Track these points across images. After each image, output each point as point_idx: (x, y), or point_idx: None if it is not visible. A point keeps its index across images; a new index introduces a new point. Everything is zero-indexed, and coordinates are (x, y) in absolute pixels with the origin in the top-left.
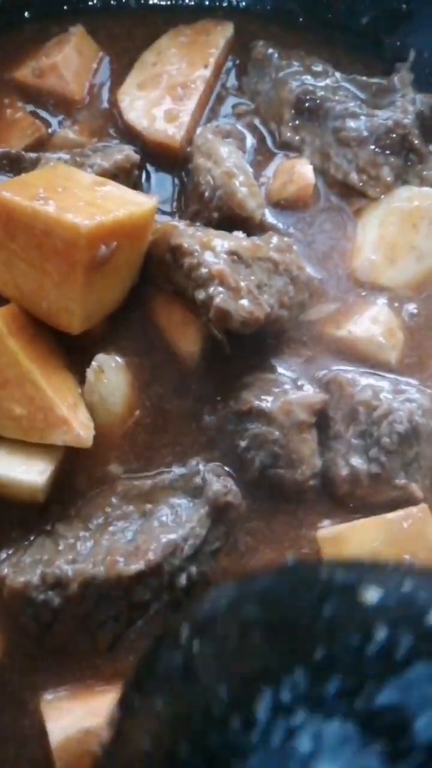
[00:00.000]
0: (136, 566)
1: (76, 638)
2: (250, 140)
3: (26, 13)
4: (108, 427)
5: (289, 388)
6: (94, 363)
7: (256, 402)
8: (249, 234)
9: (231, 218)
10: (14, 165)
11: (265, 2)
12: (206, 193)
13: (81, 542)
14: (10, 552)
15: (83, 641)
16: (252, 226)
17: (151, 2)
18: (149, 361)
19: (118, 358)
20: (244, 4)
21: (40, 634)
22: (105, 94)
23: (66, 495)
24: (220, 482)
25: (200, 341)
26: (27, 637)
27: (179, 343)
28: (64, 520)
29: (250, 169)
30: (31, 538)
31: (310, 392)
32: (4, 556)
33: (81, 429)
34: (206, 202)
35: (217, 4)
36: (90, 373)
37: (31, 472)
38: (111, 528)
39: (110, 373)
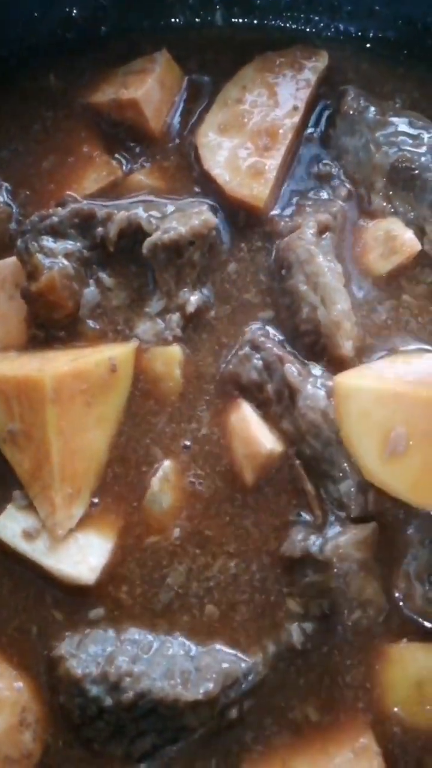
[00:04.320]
0: (194, 695)
1: (113, 738)
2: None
3: (102, 29)
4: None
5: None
6: (161, 472)
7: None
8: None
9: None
10: (85, 224)
11: (367, 30)
12: (308, 335)
13: (146, 641)
14: (68, 633)
15: (118, 743)
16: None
17: (238, 21)
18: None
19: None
20: (342, 28)
21: (81, 724)
22: (185, 131)
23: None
24: (299, 629)
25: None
26: (65, 720)
27: (243, 471)
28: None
29: (350, 303)
30: (91, 617)
31: (359, 526)
32: (66, 634)
33: (61, 521)
34: (302, 333)
35: (313, 30)
36: (156, 482)
37: (81, 566)
38: (175, 636)
39: (173, 481)
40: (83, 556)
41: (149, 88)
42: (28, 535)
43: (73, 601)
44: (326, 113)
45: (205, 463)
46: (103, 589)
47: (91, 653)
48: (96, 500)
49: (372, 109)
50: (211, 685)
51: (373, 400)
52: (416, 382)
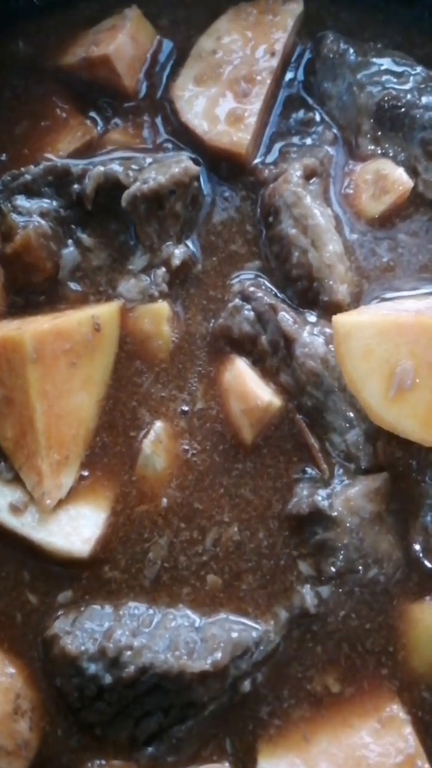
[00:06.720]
0: (201, 666)
1: (116, 721)
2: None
3: None
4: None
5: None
6: (152, 434)
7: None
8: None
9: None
10: (60, 181)
11: None
12: (300, 280)
13: (146, 615)
14: (60, 613)
15: (122, 726)
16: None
17: None
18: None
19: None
20: None
21: (80, 707)
22: (160, 86)
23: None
24: (312, 592)
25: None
26: (64, 705)
27: (242, 429)
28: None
29: (342, 246)
30: (87, 598)
31: (370, 476)
32: (59, 614)
33: (50, 490)
34: (294, 279)
35: None
36: (147, 444)
37: (74, 538)
38: (179, 608)
39: (166, 443)
40: (75, 528)
41: (121, 44)
42: (16, 509)
43: (49, 582)
44: (305, 60)
45: (204, 439)
46: (95, 563)
47: (87, 630)
48: (86, 473)
49: (352, 51)
50: (219, 655)
51: (376, 335)
52: (419, 311)
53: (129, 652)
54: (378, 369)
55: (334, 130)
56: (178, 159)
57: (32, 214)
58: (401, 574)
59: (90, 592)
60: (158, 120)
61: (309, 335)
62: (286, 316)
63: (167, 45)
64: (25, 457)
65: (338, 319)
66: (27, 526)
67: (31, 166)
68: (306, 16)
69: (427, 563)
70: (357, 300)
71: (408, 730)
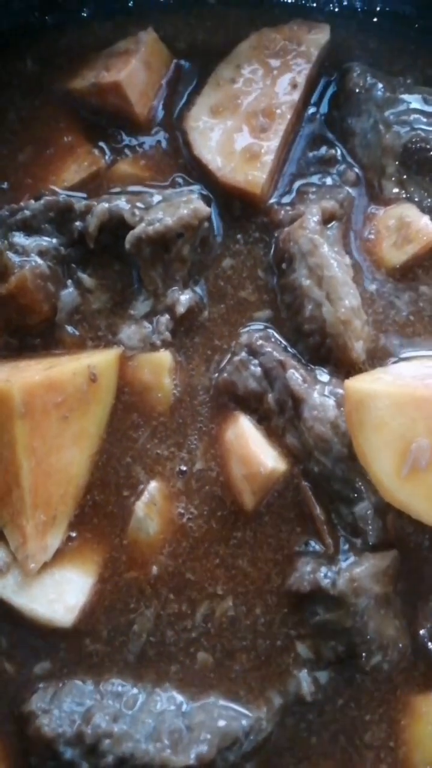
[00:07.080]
0: (184, 761)
1: None
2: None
3: (85, 11)
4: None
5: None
6: (146, 495)
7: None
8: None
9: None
10: (62, 218)
11: (374, 3)
12: (312, 336)
13: (130, 694)
14: (40, 686)
15: None
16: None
17: None
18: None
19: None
20: (346, 2)
21: None
22: (174, 115)
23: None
24: (310, 677)
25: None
26: None
27: (242, 494)
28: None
29: (359, 299)
30: (65, 671)
31: (378, 554)
32: (38, 686)
33: (34, 553)
34: (306, 334)
35: (314, 5)
36: (140, 506)
37: (57, 605)
38: (165, 688)
39: (160, 505)
40: (59, 594)
41: (133, 70)
42: None
43: (26, 650)
44: (329, 92)
45: (201, 503)
46: (75, 633)
47: (65, 709)
48: (74, 534)
49: (380, 86)
50: (205, 748)
51: (390, 407)
52: None
53: (108, 741)
54: (391, 444)
55: (356, 170)
56: (187, 198)
57: (30, 253)
58: (407, 662)
59: (69, 665)
60: (170, 152)
61: (319, 396)
62: (296, 374)
63: (184, 70)
64: (10, 516)
65: (351, 385)
66: (8, 589)
67: (32, 201)
68: (332, 45)
69: None
70: (372, 357)
71: None
